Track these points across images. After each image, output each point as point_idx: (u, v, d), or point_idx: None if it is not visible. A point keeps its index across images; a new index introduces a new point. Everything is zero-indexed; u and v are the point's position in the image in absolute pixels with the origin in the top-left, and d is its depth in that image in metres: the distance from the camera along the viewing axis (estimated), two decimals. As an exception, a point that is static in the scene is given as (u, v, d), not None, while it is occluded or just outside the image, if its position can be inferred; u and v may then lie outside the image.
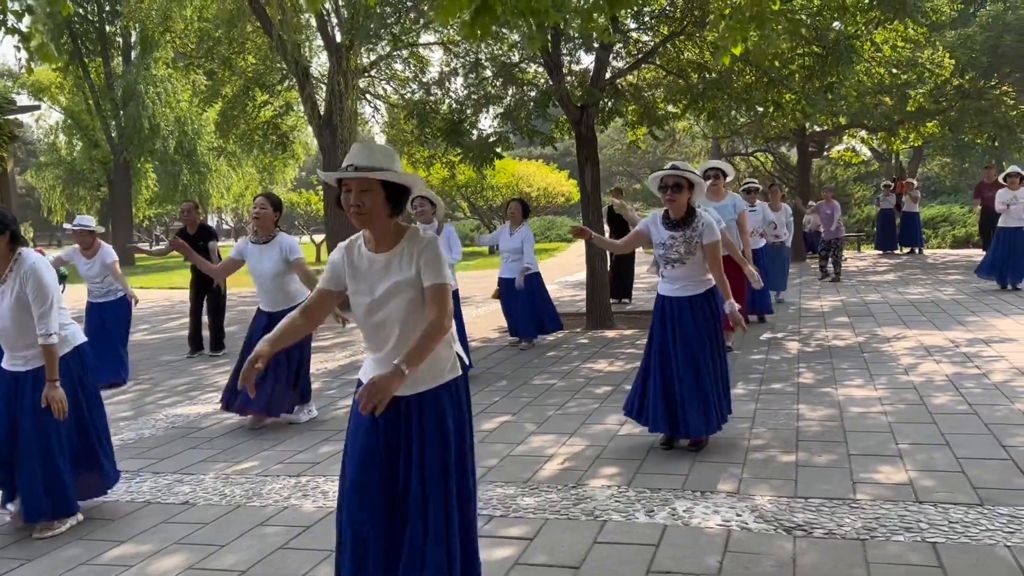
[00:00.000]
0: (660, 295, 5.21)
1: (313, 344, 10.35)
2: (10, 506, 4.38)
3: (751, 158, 31.89)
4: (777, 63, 11.02)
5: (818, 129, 22.01)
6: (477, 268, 22.47)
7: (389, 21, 9.91)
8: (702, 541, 3.76)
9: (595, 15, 3.73)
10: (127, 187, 33.50)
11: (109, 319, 8.16)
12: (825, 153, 26.43)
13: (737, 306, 5.03)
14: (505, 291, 9.28)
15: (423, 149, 20.75)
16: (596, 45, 10.52)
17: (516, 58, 12.04)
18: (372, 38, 11.54)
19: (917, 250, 20.57)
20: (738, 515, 4.03)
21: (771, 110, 11.70)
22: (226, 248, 10.74)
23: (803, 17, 10.31)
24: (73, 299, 15.23)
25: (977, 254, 17.81)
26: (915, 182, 21.36)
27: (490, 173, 24.84)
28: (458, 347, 3.10)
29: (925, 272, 15.68)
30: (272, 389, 6.04)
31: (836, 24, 11.19)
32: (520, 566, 3.60)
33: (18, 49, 3.51)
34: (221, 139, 21.01)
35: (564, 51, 10.84)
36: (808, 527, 3.85)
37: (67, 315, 4.43)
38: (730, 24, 3.87)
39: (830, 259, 14.96)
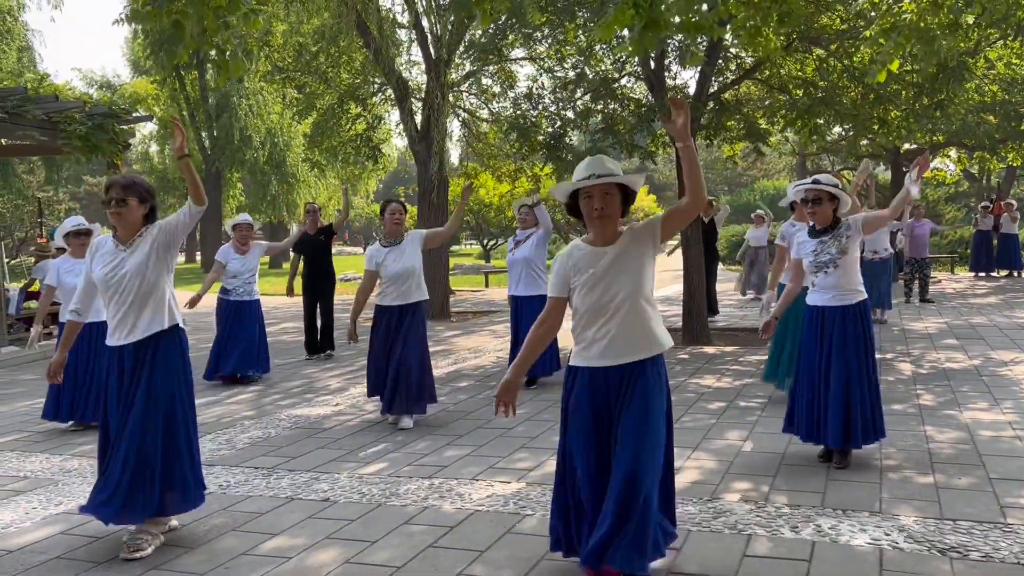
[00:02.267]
0: (811, 306, 5.17)
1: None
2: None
3: (837, 176, 31.33)
4: (881, 78, 10.85)
5: (911, 147, 21.51)
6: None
7: (499, 38, 10.10)
8: (855, 559, 3.72)
9: (764, 30, 3.77)
10: (217, 196, 34.59)
11: (253, 314, 8.67)
12: (919, 172, 25.76)
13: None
14: None
15: (509, 163, 20.92)
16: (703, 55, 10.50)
17: (609, 71, 12.10)
18: (480, 53, 11.75)
19: (1017, 273, 19.88)
20: (886, 535, 3.99)
21: (876, 127, 11.52)
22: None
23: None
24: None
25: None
26: (1014, 203, 20.69)
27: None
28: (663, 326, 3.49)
29: (1029, 296, 15.17)
30: (404, 390, 6.38)
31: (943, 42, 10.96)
32: (675, 575, 3.63)
33: (215, 63, 3.73)
34: (311, 150, 21.55)
35: (667, 66, 10.85)
36: (963, 549, 3.79)
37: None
38: (897, 40, 3.85)
39: (916, 280, 14.54)
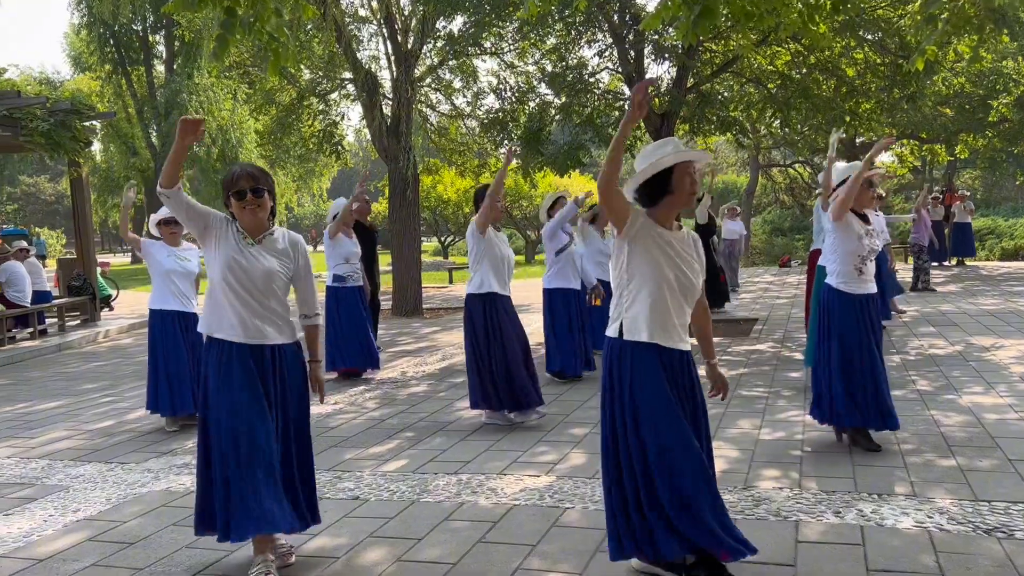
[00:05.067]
0: (864, 295, 5.17)
1: (397, 349, 10.48)
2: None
3: (789, 170, 31.91)
4: (852, 72, 11.09)
5: (865, 140, 21.97)
6: (525, 276, 22.46)
7: (480, 31, 10.04)
8: (907, 541, 3.77)
9: (817, 17, 3.80)
10: (167, 194, 33.74)
11: (361, 303, 8.34)
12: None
13: None
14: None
15: (473, 159, 20.86)
16: (680, 52, 10.59)
17: (586, 64, 12.13)
18: (460, 46, 11.67)
19: (967, 260, 20.43)
20: (929, 517, 4.05)
21: (848, 119, 11.74)
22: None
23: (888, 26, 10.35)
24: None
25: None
26: (967, 192, 21.29)
27: (535, 181, 24.89)
28: None
29: (986, 283, 15.60)
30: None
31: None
32: (734, 563, 3.63)
33: (264, 51, 3.59)
34: (268, 147, 21.18)
35: (649, 60, 10.92)
36: (1006, 529, 3.86)
37: None
38: (947, 29, 3.90)
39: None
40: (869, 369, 5.10)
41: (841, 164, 5.40)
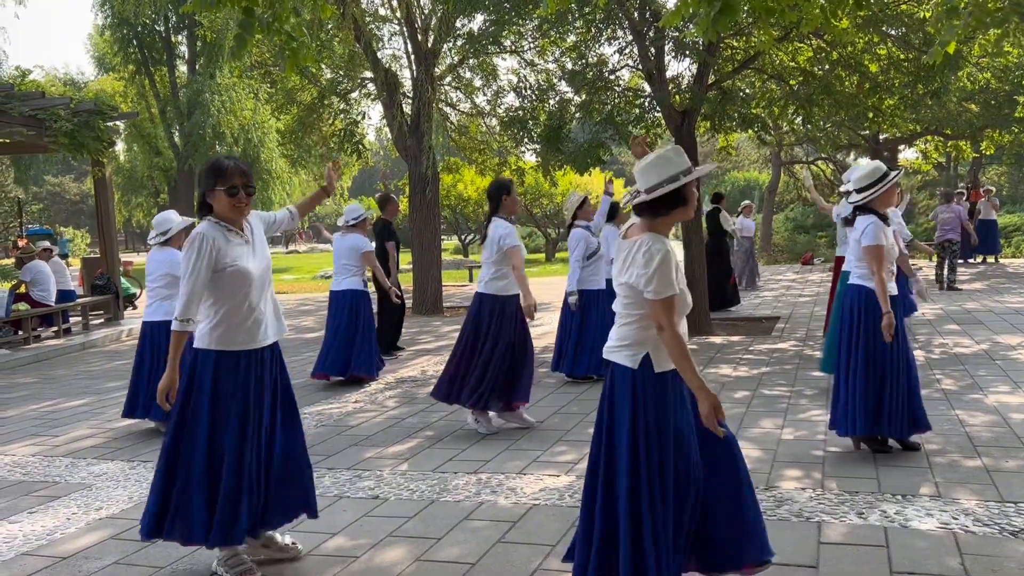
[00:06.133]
0: (891, 296, 5.08)
1: (417, 348, 10.49)
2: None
3: (811, 166, 31.68)
4: (875, 68, 10.96)
5: (884, 137, 21.73)
6: (545, 274, 22.47)
7: (499, 29, 10.02)
8: (931, 543, 3.72)
9: (840, 13, 3.75)
10: (189, 194, 34.04)
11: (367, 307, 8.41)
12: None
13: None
14: None
15: (493, 157, 20.85)
16: (701, 48, 10.49)
17: (605, 60, 12.07)
18: (479, 45, 11.67)
19: (994, 258, 20.18)
20: (954, 518, 4.00)
21: (871, 116, 11.59)
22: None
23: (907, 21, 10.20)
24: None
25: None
26: (993, 189, 21.01)
27: (555, 179, 24.87)
28: None
29: (1012, 281, 15.40)
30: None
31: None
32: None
33: (282, 50, 3.58)
34: (289, 146, 21.31)
35: (669, 57, 10.82)
36: (1033, 531, 3.81)
37: None
38: (968, 21, 3.83)
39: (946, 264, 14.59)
40: (883, 372, 5.05)
41: (864, 162, 5.33)
